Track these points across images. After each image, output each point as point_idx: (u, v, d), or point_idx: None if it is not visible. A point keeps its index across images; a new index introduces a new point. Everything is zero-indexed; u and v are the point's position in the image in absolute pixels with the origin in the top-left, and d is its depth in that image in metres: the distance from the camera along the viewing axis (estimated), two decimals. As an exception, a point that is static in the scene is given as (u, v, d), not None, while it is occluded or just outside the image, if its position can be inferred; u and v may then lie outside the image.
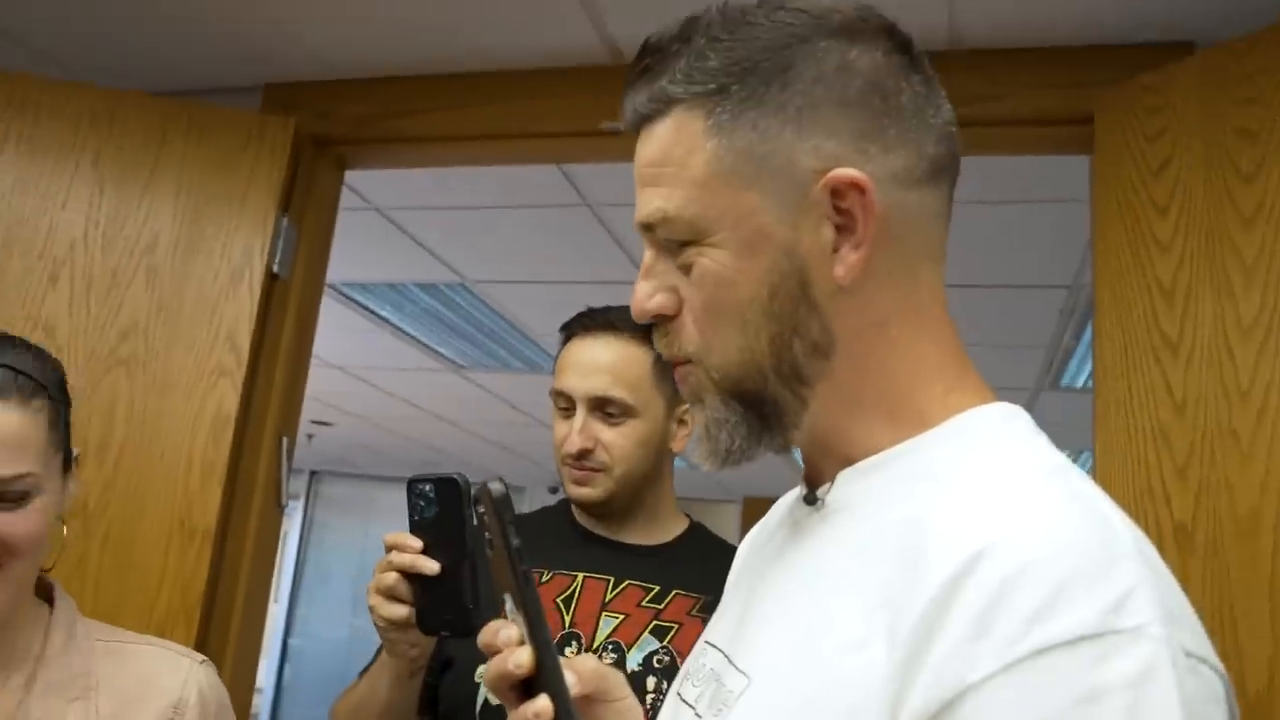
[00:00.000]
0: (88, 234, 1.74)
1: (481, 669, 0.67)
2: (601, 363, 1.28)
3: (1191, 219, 1.36)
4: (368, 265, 3.17)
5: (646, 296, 0.67)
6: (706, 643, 0.75)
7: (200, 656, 1.09)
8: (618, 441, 1.28)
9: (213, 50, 1.86)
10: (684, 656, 1.12)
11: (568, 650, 1.24)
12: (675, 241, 0.65)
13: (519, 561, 0.63)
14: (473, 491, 0.99)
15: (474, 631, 0.98)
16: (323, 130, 1.89)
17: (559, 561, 1.31)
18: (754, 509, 6.45)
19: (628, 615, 1.26)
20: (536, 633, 0.63)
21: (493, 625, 0.67)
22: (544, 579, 1.30)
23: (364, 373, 4.85)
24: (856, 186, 0.62)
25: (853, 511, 0.65)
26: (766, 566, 0.73)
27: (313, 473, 8.57)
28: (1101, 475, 1.40)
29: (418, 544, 1.04)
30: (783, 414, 0.65)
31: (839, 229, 0.63)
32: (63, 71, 1.96)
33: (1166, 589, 0.53)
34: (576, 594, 1.28)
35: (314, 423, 6.23)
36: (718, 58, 0.63)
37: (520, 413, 5.42)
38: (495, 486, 0.63)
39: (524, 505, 7.61)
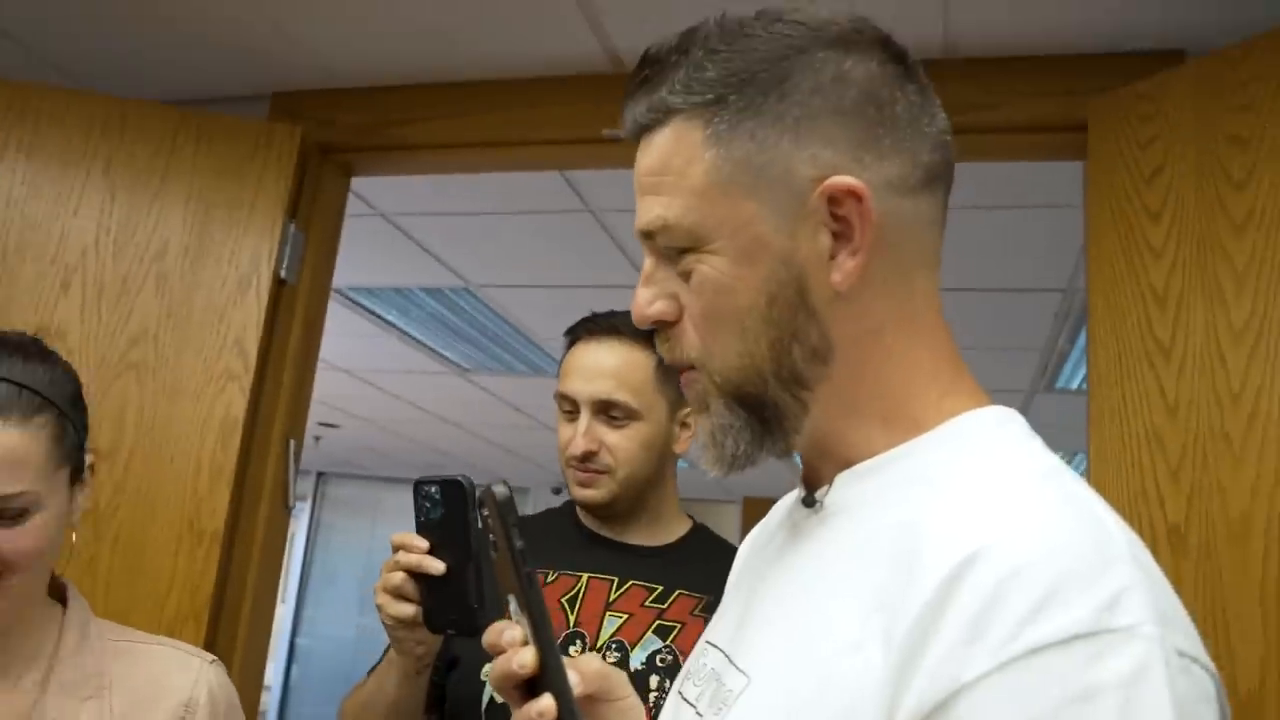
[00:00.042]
0: (99, 240, 1.77)
1: (487, 668, 0.69)
2: (605, 367, 1.30)
3: (1184, 226, 1.37)
4: (374, 270, 3.18)
5: (647, 303, 0.68)
6: (707, 642, 0.76)
7: (210, 656, 1.10)
8: (621, 444, 1.29)
9: (221, 60, 1.88)
10: (687, 656, 1.14)
11: (572, 649, 1.25)
12: (675, 249, 0.66)
13: (523, 563, 0.63)
14: (477, 494, 1.01)
15: (479, 631, 1.00)
16: (329, 138, 1.92)
17: (564, 562, 1.32)
18: (754, 509, 6.46)
19: (631, 615, 1.28)
20: (540, 633, 0.64)
21: (497, 626, 0.68)
22: (549, 579, 1.31)
23: (370, 376, 4.87)
24: (853, 194, 0.63)
25: (850, 514, 0.65)
26: (766, 568, 0.74)
27: (320, 474, 8.59)
28: (1096, 478, 1.41)
29: (424, 544, 1.05)
30: (783, 418, 0.66)
31: (836, 236, 0.64)
32: (73, 81, 1.98)
33: (1159, 590, 0.54)
34: (581, 594, 1.30)
35: (321, 425, 6.25)
36: (716, 69, 0.64)
37: (524, 415, 5.43)
38: (499, 490, 0.64)
39: (527, 506, 7.61)
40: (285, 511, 1.85)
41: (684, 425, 1.34)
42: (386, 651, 1.22)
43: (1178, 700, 0.49)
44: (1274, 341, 1.26)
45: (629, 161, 0.69)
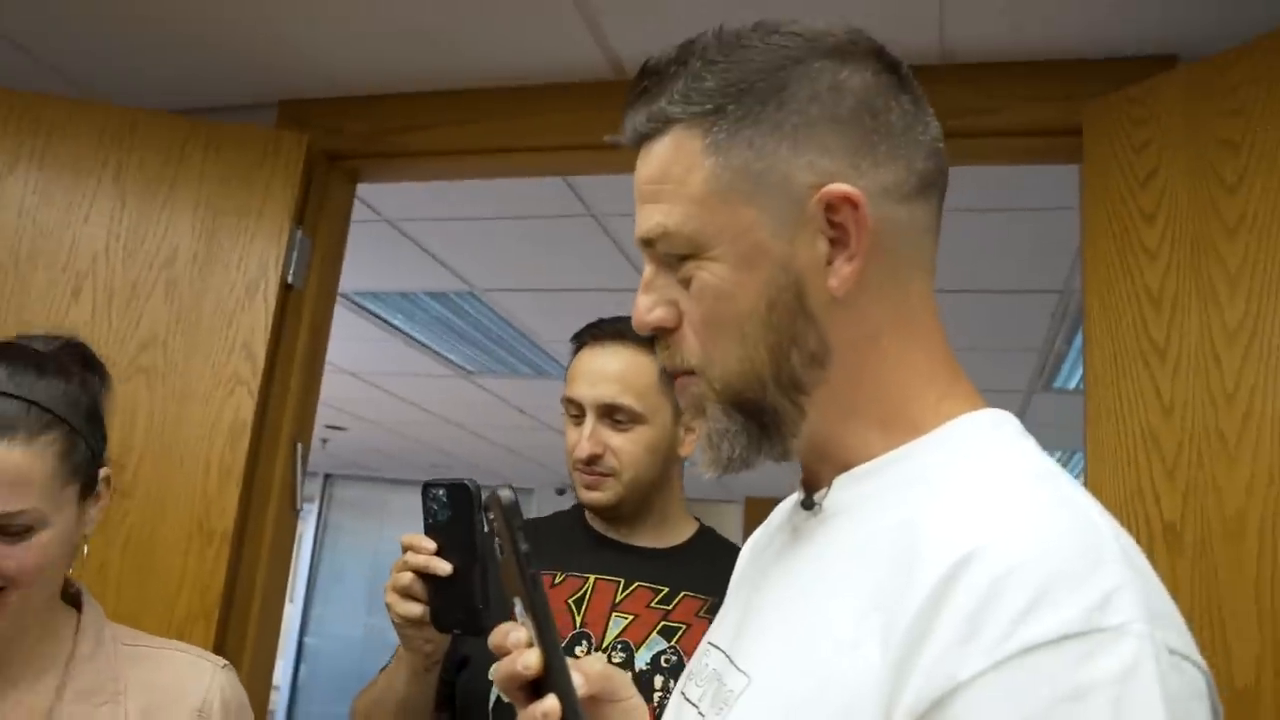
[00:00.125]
0: (109, 247, 1.78)
1: (495, 667, 0.70)
2: (610, 371, 1.31)
3: (1178, 228, 1.38)
4: (379, 275, 3.20)
5: (647, 309, 0.69)
6: (709, 643, 0.77)
7: (222, 661, 1.11)
8: (626, 447, 1.31)
9: (228, 70, 1.90)
10: (691, 656, 1.15)
11: (578, 649, 1.27)
12: (675, 256, 0.67)
13: (527, 566, 0.64)
14: (483, 498, 1.03)
15: (484, 631, 1.02)
16: (335, 145, 1.93)
17: (571, 564, 1.34)
18: (756, 510, 6.46)
19: (637, 616, 1.29)
20: (545, 635, 0.64)
21: (503, 628, 0.68)
22: (557, 580, 1.33)
23: (376, 379, 4.89)
24: (850, 201, 0.63)
25: (849, 516, 0.66)
26: (767, 569, 0.75)
27: (327, 476, 8.60)
28: (1093, 477, 1.42)
29: (431, 545, 1.07)
30: (781, 422, 0.67)
31: (833, 242, 0.64)
32: (83, 92, 2.00)
33: (1151, 589, 0.54)
34: (588, 595, 1.31)
35: (328, 427, 6.27)
36: (714, 79, 0.65)
37: (527, 416, 5.44)
38: (504, 494, 0.65)
39: (532, 506, 7.62)
40: (293, 513, 1.86)
41: (689, 429, 1.35)
42: (397, 651, 1.24)
43: (1169, 697, 0.50)
44: (1267, 342, 1.28)
45: (631, 167, 0.70)
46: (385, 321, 3.80)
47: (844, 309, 0.65)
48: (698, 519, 1.44)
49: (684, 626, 1.28)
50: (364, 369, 4.67)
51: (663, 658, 1.26)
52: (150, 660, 1.06)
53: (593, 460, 1.31)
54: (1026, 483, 0.61)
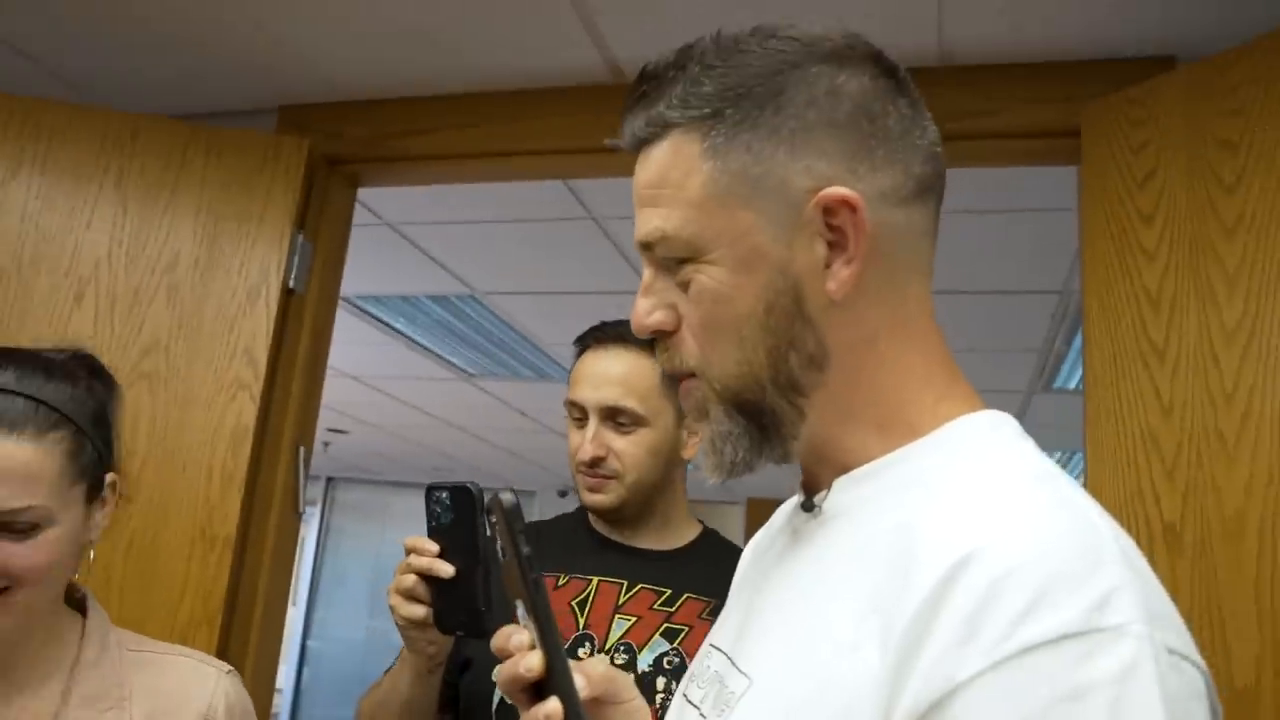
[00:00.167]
0: (111, 253, 1.79)
1: (498, 669, 0.70)
2: (612, 374, 1.32)
3: (1176, 229, 1.39)
4: (380, 279, 3.21)
5: (646, 313, 0.69)
6: (711, 645, 0.77)
7: (226, 666, 1.11)
8: (629, 450, 1.32)
9: (228, 75, 1.91)
10: (694, 658, 1.16)
11: (581, 651, 1.27)
12: (673, 259, 0.67)
13: (529, 569, 0.64)
14: (485, 501, 1.03)
15: (487, 632, 1.03)
16: (335, 150, 1.94)
17: (575, 566, 1.34)
18: (758, 510, 6.46)
19: (640, 618, 1.30)
20: (547, 638, 0.65)
21: (505, 630, 0.68)
22: (560, 582, 1.33)
23: (378, 382, 4.89)
24: (848, 204, 0.64)
25: (848, 518, 0.66)
26: (768, 571, 0.75)
27: (329, 479, 8.62)
28: (1093, 478, 1.42)
29: (434, 548, 1.08)
30: (781, 424, 0.67)
31: (831, 246, 0.65)
32: (85, 97, 2.01)
33: (1150, 590, 0.54)
34: (591, 597, 1.31)
35: (330, 431, 6.28)
36: (712, 83, 0.66)
37: (529, 419, 5.45)
38: (506, 497, 0.65)
39: (534, 509, 7.63)
40: (295, 516, 1.87)
41: (692, 432, 1.36)
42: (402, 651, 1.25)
43: (1168, 697, 0.50)
44: (1266, 342, 1.28)
45: (630, 170, 0.70)
46: (387, 325, 3.80)
47: (842, 312, 0.66)
48: (701, 521, 1.44)
49: (687, 628, 1.29)
50: (366, 373, 4.68)
51: (665, 659, 1.27)
52: (155, 666, 1.06)
53: (595, 463, 1.32)
54: (1025, 484, 0.61)
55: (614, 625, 1.29)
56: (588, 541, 1.39)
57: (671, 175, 0.67)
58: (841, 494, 0.68)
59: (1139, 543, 1.18)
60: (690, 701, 0.74)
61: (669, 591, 1.32)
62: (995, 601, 0.52)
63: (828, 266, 0.65)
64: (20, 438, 0.93)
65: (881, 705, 0.54)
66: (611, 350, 1.34)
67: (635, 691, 0.79)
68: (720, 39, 0.68)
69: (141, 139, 1.83)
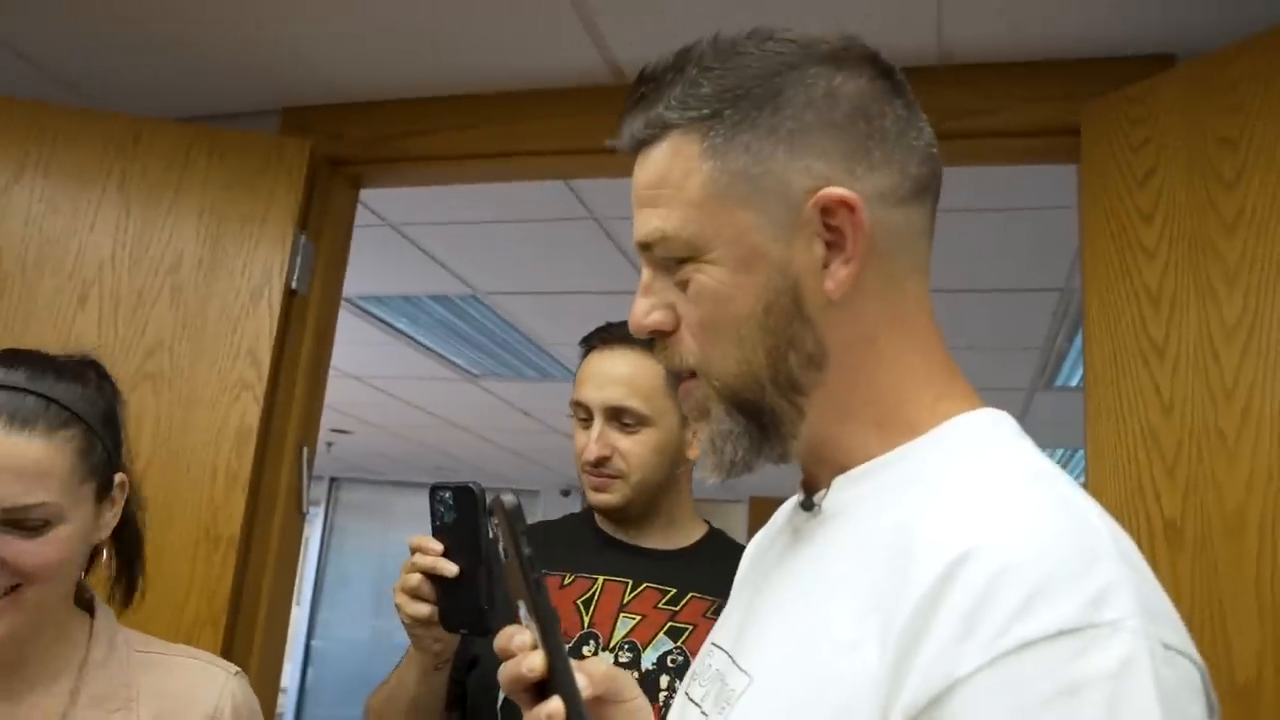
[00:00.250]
0: (115, 255, 1.80)
1: (501, 670, 0.71)
2: (617, 375, 1.33)
3: (1176, 226, 1.39)
4: (383, 279, 3.22)
5: (644, 313, 0.70)
6: (712, 644, 0.78)
7: (234, 668, 1.11)
8: (634, 449, 1.32)
9: (231, 78, 1.91)
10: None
11: (585, 649, 1.28)
12: (673, 259, 0.68)
13: (531, 570, 0.64)
14: (488, 501, 1.04)
15: (490, 631, 1.03)
16: (338, 152, 1.95)
17: (580, 565, 1.35)
18: (761, 509, 6.46)
19: (644, 616, 1.30)
20: (549, 638, 0.65)
21: (507, 631, 0.68)
22: (566, 582, 1.34)
23: (381, 383, 4.90)
24: (846, 204, 0.64)
25: (847, 517, 0.67)
26: (769, 570, 0.76)
27: (333, 479, 8.64)
28: (1093, 475, 1.43)
29: (439, 547, 1.09)
30: (780, 423, 0.68)
31: (830, 245, 0.65)
32: (88, 100, 2.02)
33: (1146, 586, 0.55)
34: (596, 596, 1.32)
35: (333, 431, 6.29)
36: (711, 85, 0.66)
37: (532, 419, 5.46)
38: (508, 499, 0.65)
39: (537, 508, 7.64)
40: (299, 517, 1.88)
41: (696, 432, 1.36)
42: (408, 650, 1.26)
43: (1163, 692, 0.50)
44: (1266, 338, 1.28)
45: (631, 170, 0.71)
46: (389, 325, 3.81)
47: (840, 311, 0.66)
48: (707, 521, 1.45)
49: (691, 627, 1.29)
50: (368, 373, 4.69)
51: (669, 658, 1.27)
52: (162, 667, 1.07)
53: (600, 463, 1.33)
54: (1022, 482, 0.61)
55: (618, 624, 1.30)
56: (593, 541, 1.40)
57: (671, 176, 0.67)
58: (841, 493, 0.68)
59: (1140, 540, 1.18)
60: (692, 699, 0.74)
61: (674, 590, 1.32)
62: (993, 598, 0.52)
63: (826, 266, 0.65)
64: (32, 435, 0.94)
65: (880, 703, 0.55)
66: (616, 351, 1.35)
67: (637, 690, 0.79)
68: (718, 41, 0.68)
69: (144, 141, 1.84)
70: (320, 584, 8.42)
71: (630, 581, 1.33)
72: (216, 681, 1.08)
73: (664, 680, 1.26)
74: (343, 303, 2.07)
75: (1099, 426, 1.43)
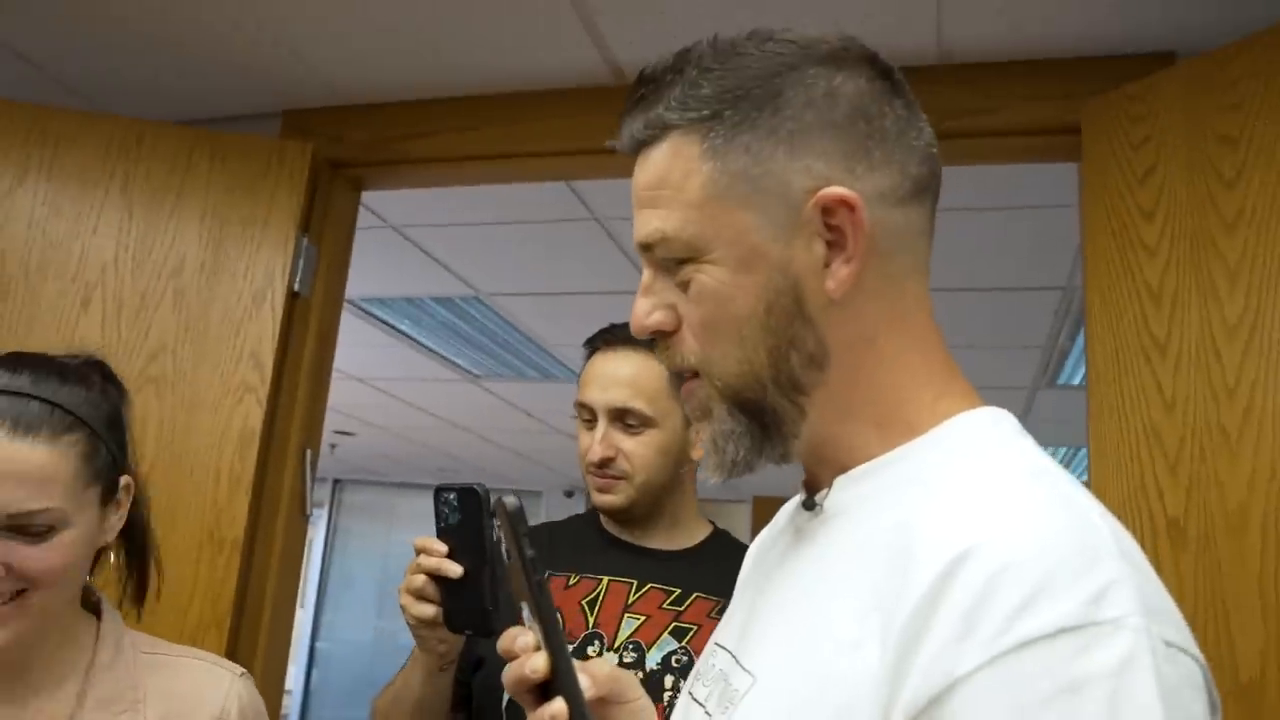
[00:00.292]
0: (118, 258, 1.80)
1: (504, 671, 0.71)
2: (621, 376, 1.33)
3: (1177, 224, 1.39)
4: (385, 281, 3.22)
5: (645, 313, 0.70)
6: (716, 644, 0.78)
7: (239, 669, 1.12)
8: (638, 450, 1.33)
9: (232, 80, 1.92)
10: (702, 657, 1.16)
11: (590, 649, 1.29)
12: (673, 260, 0.68)
13: (533, 571, 0.65)
14: (490, 504, 1.04)
15: (494, 632, 1.04)
16: (339, 154, 1.95)
17: (585, 566, 1.36)
18: (764, 509, 6.45)
19: (649, 617, 1.31)
20: (551, 639, 0.65)
21: (510, 632, 0.69)
22: (571, 582, 1.35)
23: (384, 384, 4.91)
24: (846, 204, 0.64)
25: (849, 516, 0.67)
26: (771, 570, 0.76)
27: (336, 481, 8.65)
28: (1096, 473, 1.42)
29: (443, 548, 1.09)
30: (782, 423, 0.68)
31: (830, 245, 0.65)
32: (90, 104, 2.02)
33: (1147, 584, 0.55)
34: (601, 596, 1.33)
35: (336, 433, 6.30)
36: (711, 86, 0.66)
37: (535, 420, 5.46)
38: (510, 500, 0.66)
39: (540, 509, 7.65)
40: (303, 519, 1.88)
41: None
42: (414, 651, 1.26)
43: (1165, 689, 0.50)
44: (1267, 336, 1.28)
45: (632, 171, 0.71)
46: (392, 327, 3.82)
47: (841, 311, 0.66)
48: (712, 522, 1.45)
49: (695, 627, 1.30)
50: (371, 375, 4.69)
51: (674, 658, 1.28)
52: (169, 668, 1.07)
53: (605, 464, 1.33)
54: (1023, 481, 0.61)
55: (623, 624, 1.30)
56: (598, 541, 1.40)
57: (671, 176, 0.67)
58: (842, 492, 0.68)
59: (1143, 538, 1.18)
60: (695, 699, 0.75)
61: (678, 591, 1.33)
62: (993, 597, 0.52)
63: (827, 266, 0.66)
64: (36, 440, 0.93)
65: (882, 702, 0.55)
66: (620, 352, 1.35)
67: (640, 691, 0.79)
68: (717, 43, 0.69)
69: (146, 144, 1.84)
70: (324, 586, 8.43)
71: (635, 582, 1.34)
72: (223, 683, 1.08)
73: (668, 680, 1.26)
74: (345, 305, 2.07)
75: (1101, 424, 1.43)
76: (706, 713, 0.71)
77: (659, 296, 0.70)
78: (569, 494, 7.71)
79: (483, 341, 3.94)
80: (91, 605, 1.09)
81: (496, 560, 1.06)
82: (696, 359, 0.69)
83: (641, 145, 0.70)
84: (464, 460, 6.99)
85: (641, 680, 1.09)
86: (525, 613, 0.68)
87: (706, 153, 0.66)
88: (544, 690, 0.67)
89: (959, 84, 1.63)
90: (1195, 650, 0.55)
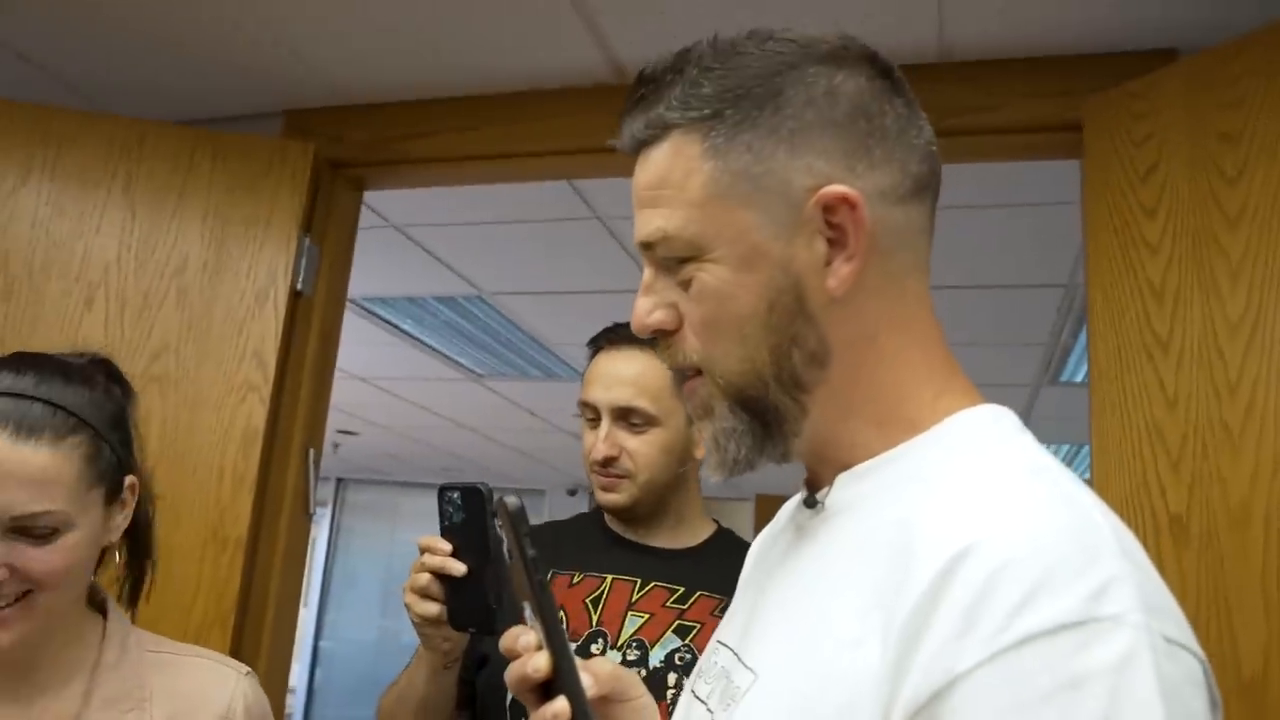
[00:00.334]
0: (121, 258, 1.80)
1: (507, 670, 0.71)
2: (625, 375, 1.34)
3: (1179, 221, 1.39)
4: (388, 280, 3.22)
5: (646, 312, 0.70)
6: (718, 642, 0.78)
7: (245, 668, 1.12)
8: (641, 449, 1.33)
9: (234, 81, 1.92)
10: (706, 655, 1.17)
11: (594, 647, 1.29)
12: (674, 259, 0.68)
13: (534, 571, 0.65)
14: (492, 504, 1.05)
15: (498, 630, 1.04)
16: (340, 154, 1.95)
17: (589, 564, 1.36)
18: (767, 507, 6.44)
19: (652, 615, 1.31)
20: (553, 638, 0.66)
21: (513, 631, 0.69)
22: (575, 580, 1.35)
23: (386, 383, 4.91)
24: (848, 202, 0.64)
25: (850, 514, 0.67)
26: (773, 568, 0.76)
27: (339, 480, 8.65)
28: (1098, 471, 1.42)
29: (447, 547, 1.10)
30: (784, 421, 0.68)
31: (831, 243, 0.65)
32: (92, 104, 2.02)
33: (1147, 581, 0.55)
34: (605, 595, 1.33)
35: (340, 432, 6.30)
36: (711, 85, 0.66)
37: (538, 418, 5.46)
38: (511, 501, 0.66)
39: (544, 508, 7.65)
40: (306, 518, 1.88)
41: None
42: (418, 649, 1.27)
43: (1165, 685, 0.50)
44: (1269, 333, 1.28)
45: (633, 170, 0.71)
46: (394, 326, 3.82)
47: (843, 309, 0.66)
48: (716, 520, 1.45)
49: (699, 625, 1.30)
50: (374, 374, 4.69)
51: (677, 655, 1.28)
52: (174, 667, 1.07)
53: (609, 462, 1.34)
54: (1023, 478, 0.61)
55: (626, 622, 1.31)
56: (602, 540, 1.41)
57: (672, 175, 0.67)
58: (843, 490, 0.68)
59: (1145, 535, 1.18)
60: (698, 697, 0.75)
61: (682, 589, 1.33)
62: (993, 593, 0.52)
63: (828, 264, 0.66)
64: (39, 443, 0.93)
65: (883, 700, 0.55)
66: (624, 351, 1.36)
67: (643, 689, 0.80)
68: (716, 43, 0.69)
69: (149, 144, 1.85)
70: (327, 585, 8.44)
71: (638, 580, 1.34)
72: (228, 682, 1.08)
73: (671, 678, 1.26)
74: (348, 304, 2.08)
75: (1104, 421, 1.43)
76: (708, 710, 0.71)
77: (660, 295, 0.70)
78: (572, 492, 7.71)
79: (485, 340, 3.94)
80: (97, 604, 1.09)
81: (500, 559, 1.06)
82: (699, 357, 0.69)
83: (642, 145, 0.70)
84: (467, 459, 6.99)
85: (645, 678, 1.09)
86: (527, 612, 0.68)
87: (708, 152, 0.66)
88: (546, 689, 0.67)
89: (960, 81, 1.63)
90: (1196, 647, 0.55)
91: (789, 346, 0.66)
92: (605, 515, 1.42)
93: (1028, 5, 1.51)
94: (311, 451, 1.87)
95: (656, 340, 0.72)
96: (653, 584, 1.34)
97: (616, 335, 1.38)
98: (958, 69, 1.64)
